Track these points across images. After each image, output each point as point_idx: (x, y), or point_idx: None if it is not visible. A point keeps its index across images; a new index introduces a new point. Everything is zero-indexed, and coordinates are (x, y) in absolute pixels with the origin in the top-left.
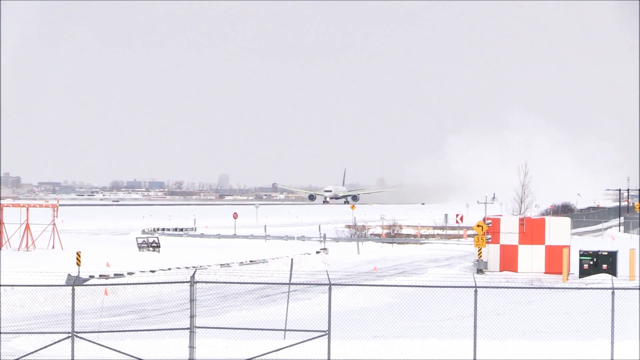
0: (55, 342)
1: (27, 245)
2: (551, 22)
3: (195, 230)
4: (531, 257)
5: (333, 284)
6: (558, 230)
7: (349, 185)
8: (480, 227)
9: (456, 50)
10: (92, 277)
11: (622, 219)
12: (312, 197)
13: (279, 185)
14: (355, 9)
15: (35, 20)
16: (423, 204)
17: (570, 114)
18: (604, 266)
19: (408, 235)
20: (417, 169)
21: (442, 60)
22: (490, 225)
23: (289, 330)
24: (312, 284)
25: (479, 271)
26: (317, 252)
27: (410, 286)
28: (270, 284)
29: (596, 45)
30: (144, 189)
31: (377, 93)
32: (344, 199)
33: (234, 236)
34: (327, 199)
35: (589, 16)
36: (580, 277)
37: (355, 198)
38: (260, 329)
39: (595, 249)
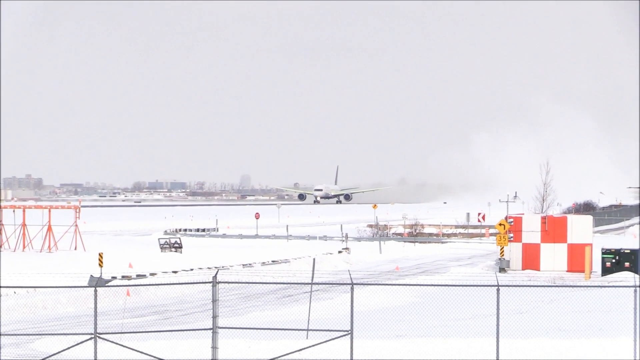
0: (78, 343)
1: (49, 246)
2: (582, 20)
3: (217, 230)
4: (553, 256)
5: (355, 284)
6: (580, 228)
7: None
8: (502, 226)
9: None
10: (114, 278)
11: None
12: (302, 197)
13: (277, 186)
14: (374, 6)
15: (45, 20)
16: (445, 202)
17: (607, 112)
18: (626, 264)
19: (430, 235)
20: (439, 165)
21: (467, 56)
22: (512, 223)
23: (311, 330)
24: (334, 284)
25: (501, 270)
26: (339, 252)
27: (432, 285)
28: (292, 283)
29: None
30: (165, 190)
31: (396, 90)
32: (336, 199)
33: (256, 236)
34: (318, 199)
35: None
36: (602, 275)
37: (348, 197)
38: (283, 329)
39: (617, 247)
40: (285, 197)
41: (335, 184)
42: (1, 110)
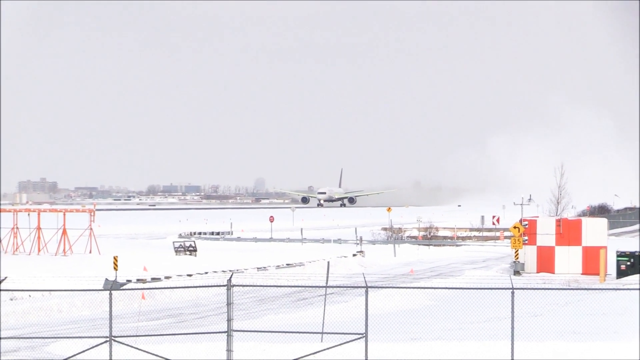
0: (93, 347)
1: (64, 250)
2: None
3: (232, 233)
4: (568, 259)
5: (370, 287)
6: (595, 231)
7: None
8: (517, 229)
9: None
10: (129, 281)
11: None
12: (305, 200)
13: (275, 188)
14: (389, 6)
15: (53, 20)
16: (459, 205)
17: (624, 113)
18: None
19: (444, 238)
20: (454, 168)
21: (483, 56)
22: (526, 226)
23: (326, 333)
24: (349, 287)
25: (516, 273)
26: (354, 255)
27: (447, 288)
28: (307, 287)
29: None
30: (180, 193)
31: (410, 92)
32: (340, 202)
33: (271, 239)
34: (321, 202)
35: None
36: (617, 278)
37: (352, 200)
38: (298, 332)
39: (632, 249)
40: (285, 200)
41: (340, 186)
42: (1, 113)
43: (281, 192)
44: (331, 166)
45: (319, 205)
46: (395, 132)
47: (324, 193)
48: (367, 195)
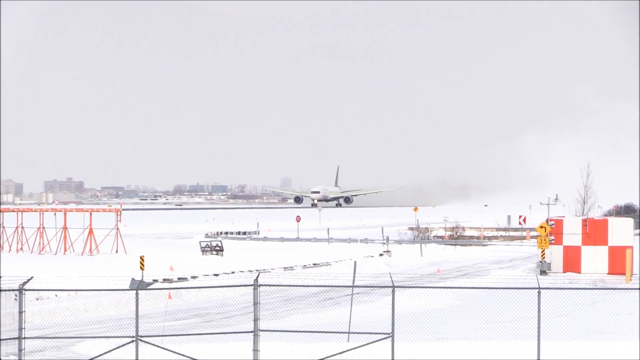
0: (119, 346)
1: (90, 249)
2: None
3: (259, 233)
4: (594, 258)
5: (396, 286)
6: (621, 230)
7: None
8: (543, 229)
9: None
10: (155, 281)
11: None
12: (298, 199)
13: (268, 187)
14: (412, 4)
15: (66, 19)
16: (486, 205)
17: None
18: None
19: (471, 237)
20: (481, 167)
21: (518, 55)
22: (553, 226)
23: (352, 332)
24: (375, 287)
25: (542, 272)
26: (380, 255)
27: (473, 288)
28: (333, 286)
29: None
30: (206, 193)
31: (436, 90)
32: (335, 202)
33: (297, 239)
34: (315, 202)
35: None
36: None
37: (348, 200)
38: (324, 332)
39: None
40: (278, 200)
41: (336, 185)
42: (3, 113)
43: (277, 191)
44: (359, 166)
45: (313, 205)
46: (423, 130)
47: (318, 192)
48: (365, 194)
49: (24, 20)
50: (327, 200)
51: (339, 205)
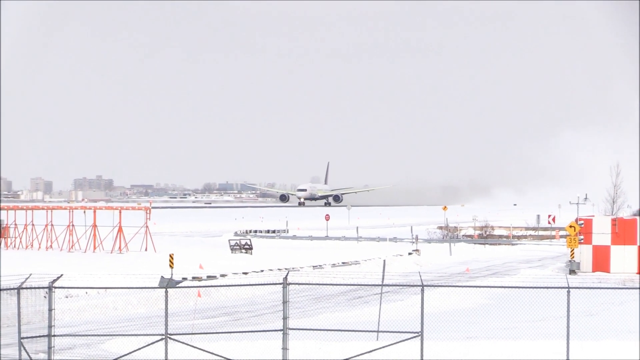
0: (149, 344)
1: (120, 247)
2: None
3: (288, 232)
4: (623, 258)
5: (425, 285)
6: None
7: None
8: (573, 228)
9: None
10: (185, 279)
11: None
12: (283, 198)
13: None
14: (446, 4)
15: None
16: (515, 204)
17: None
18: None
19: (500, 236)
20: (510, 166)
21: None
22: (582, 226)
23: (381, 331)
24: (404, 285)
25: (572, 272)
26: (409, 254)
27: (502, 287)
28: (362, 285)
29: None
30: (236, 191)
31: (464, 90)
32: (324, 200)
33: (326, 238)
34: (302, 200)
35: None
36: None
37: (337, 199)
38: (353, 331)
39: None
40: (259, 198)
41: (325, 183)
42: (32, 113)
43: (261, 188)
44: (387, 164)
45: (300, 204)
46: (452, 130)
47: (304, 190)
48: (356, 192)
49: (24, 20)
50: (314, 199)
51: (328, 204)
